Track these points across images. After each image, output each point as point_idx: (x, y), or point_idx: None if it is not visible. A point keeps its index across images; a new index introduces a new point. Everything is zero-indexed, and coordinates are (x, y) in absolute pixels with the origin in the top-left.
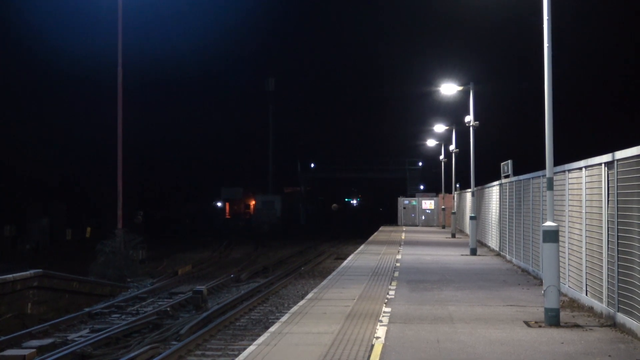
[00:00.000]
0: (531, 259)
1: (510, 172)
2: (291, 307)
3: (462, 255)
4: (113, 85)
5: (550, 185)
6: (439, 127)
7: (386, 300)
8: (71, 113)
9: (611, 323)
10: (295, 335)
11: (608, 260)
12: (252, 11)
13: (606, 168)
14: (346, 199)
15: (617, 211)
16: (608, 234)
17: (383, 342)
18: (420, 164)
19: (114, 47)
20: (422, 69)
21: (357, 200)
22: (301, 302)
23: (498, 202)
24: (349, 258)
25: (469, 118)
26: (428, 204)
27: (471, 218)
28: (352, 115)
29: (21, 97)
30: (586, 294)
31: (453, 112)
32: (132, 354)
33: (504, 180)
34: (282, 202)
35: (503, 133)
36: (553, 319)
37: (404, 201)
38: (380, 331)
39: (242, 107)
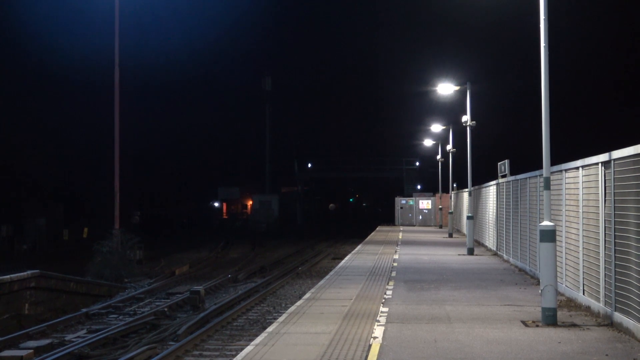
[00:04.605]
0: (528, 259)
1: (507, 172)
2: (289, 307)
3: (459, 255)
4: (110, 85)
5: (547, 184)
6: (436, 127)
7: (383, 300)
8: (68, 113)
9: (608, 322)
10: (293, 335)
11: (605, 260)
12: (249, 10)
13: (603, 167)
14: (343, 199)
15: (614, 210)
16: (605, 233)
17: (380, 341)
18: (417, 163)
19: (110, 47)
20: (419, 68)
21: (354, 200)
22: (299, 302)
23: (495, 202)
24: (347, 258)
25: (466, 118)
26: (425, 203)
27: (468, 218)
28: (350, 115)
29: (18, 97)
30: (583, 294)
31: (450, 111)
32: (130, 355)
33: (501, 180)
34: (280, 202)
35: (500, 133)
36: (550, 319)
37: (401, 201)
38: (378, 331)
39: (239, 107)
